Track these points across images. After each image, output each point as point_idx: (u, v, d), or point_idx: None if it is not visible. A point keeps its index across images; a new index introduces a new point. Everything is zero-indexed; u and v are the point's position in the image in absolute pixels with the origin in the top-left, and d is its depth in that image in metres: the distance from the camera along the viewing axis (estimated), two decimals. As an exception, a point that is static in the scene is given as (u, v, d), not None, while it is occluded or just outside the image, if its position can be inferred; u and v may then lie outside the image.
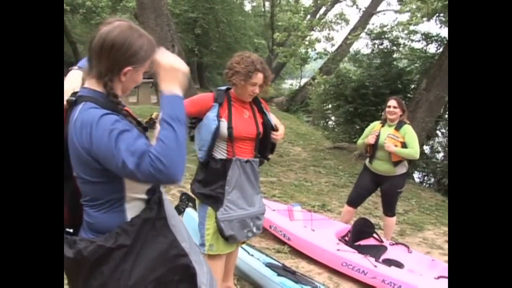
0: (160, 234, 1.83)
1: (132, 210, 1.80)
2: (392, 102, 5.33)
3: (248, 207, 3.43)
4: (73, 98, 1.77)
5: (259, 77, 3.28)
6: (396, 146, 5.16)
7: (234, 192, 3.33)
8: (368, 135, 5.50)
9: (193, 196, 3.56)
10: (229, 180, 3.29)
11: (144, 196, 1.84)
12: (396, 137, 5.20)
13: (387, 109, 5.37)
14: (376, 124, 5.56)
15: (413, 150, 5.18)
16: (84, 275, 1.76)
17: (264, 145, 3.46)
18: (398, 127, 5.26)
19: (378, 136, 5.36)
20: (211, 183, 3.31)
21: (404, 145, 5.19)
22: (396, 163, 5.25)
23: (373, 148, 5.39)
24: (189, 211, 4.84)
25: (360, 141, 5.74)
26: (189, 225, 4.77)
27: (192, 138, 3.47)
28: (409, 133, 5.24)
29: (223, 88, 3.43)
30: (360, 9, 22.80)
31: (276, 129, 3.50)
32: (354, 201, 5.80)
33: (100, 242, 1.71)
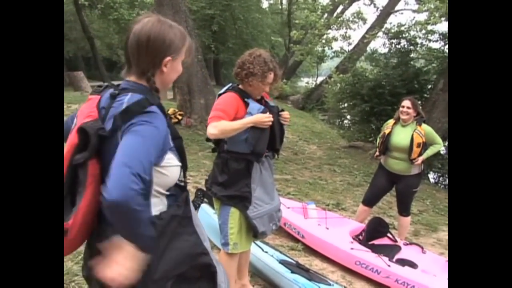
0: (184, 232, 1.86)
1: (154, 204, 1.81)
2: (406, 103, 5.32)
3: (271, 201, 3.50)
4: (116, 92, 1.81)
5: (271, 77, 3.33)
6: (419, 143, 5.19)
7: (259, 188, 3.37)
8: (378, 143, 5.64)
9: (210, 194, 3.58)
10: (253, 178, 3.33)
11: (166, 192, 1.86)
12: (422, 134, 5.22)
13: (400, 109, 5.36)
14: (390, 122, 5.56)
15: (438, 145, 5.34)
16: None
17: (273, 134, 3.38)
18: (420, 123, 5.29)
19: (389, 135, 5.37)
20: (234, 183, 3.33)
21: (424, 143, 5.25)
22: (412, 161, 5.25)
23: (385, 146, 5.40)
24: (204, 206, 4.88)
25: (378, 140, 5.76)
26: (204, 221, 4.81)
27: (208, 139, 3.51)
28: (428, 130, 5.30)
29: (230, 86, 3.45)
30: (378, 8, 22.69)
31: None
32: (370, 200, 5.80)
33: None
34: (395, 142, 5.29)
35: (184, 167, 1.92)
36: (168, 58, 1.82)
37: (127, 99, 1.73)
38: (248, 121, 3.16)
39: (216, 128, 3.08)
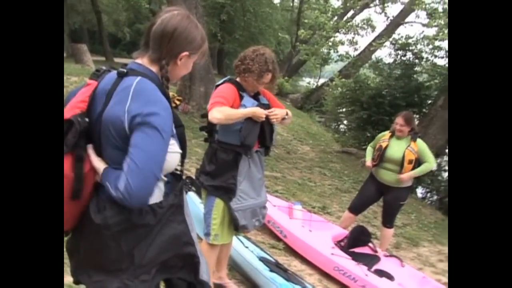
0: (175, 220, 1.89)
1: (154, 193, 1.81)
2: (399, 120, 5.33)
3: (257, 196, 3.53)
4: (124, 70, 1.83)
5: (268, 77, 3.37)
6: (411, 160, 5.19)
7: (245, 182, 3.40)
8: (368, 159, 5.64)
9: (198, 183, 3.59)
10: (240, 171, 3.35)
11: (164, 178, 1.88)
12: (415, 151, 5.22)
13: (394, 125, 5.38)
14: (386, 134, 5.57)
15: (429, 164, 5.26)
16: (100, 245, 1.77)
17: (263, 131, 3.40)
18: (414, 139, 5.27)
19: (386, 147, 5.37)
20: (221, 174, 3.36)
21: (417, 159, 5.25)
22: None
23: (380, 158, 5.40)
24: (190, 195, 4.89)
25: (369, 148, 5.77)
26: (190, 209, 4.82)
27: (202, 129, 3.52)
28: (421, 147, 5.28)
29: (228, 78, 3.49)
30: (388, 17, 22.66)
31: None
32: (356, 208, 5.81)
33: (128, 216, 1.73)
34: (389, 154, 5.31)
35: (183, 156, 1.94)
36: (186, 53, 1.88)
37: (135, 82, 1.75)
38: (248, 111, 3.19)
39: (221, 112, 3.10)
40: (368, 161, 5.60)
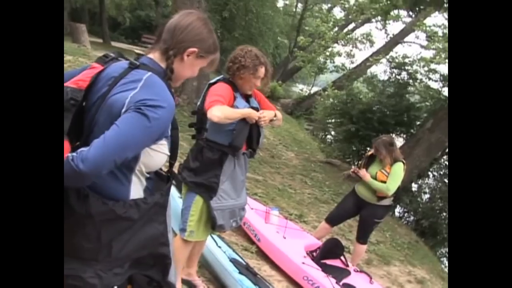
0: (156, 220, 1.90)
1: (135, 186, 1.84)
2: (373, 148, 5.39)
3: (237, 197, 3.55)
4: (137, 63, 1.85)
5: (262, 71, 3.38)
6: (383, 181, 5.19)
7: (227, 182, 3.41)
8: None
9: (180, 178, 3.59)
10: (224, 170, 3.36)
11: (146, 174, 1.88)
12: (387, 173, 5.22)
13: None
14: (368, 151, 5.63)
15: (385, 186, 5.18)
16: (80, 233, 1.74)
17: (250, 133, 3.42)
18: (391, 164, 5.28)
19: (371, 161, 5.42)
20: (205, 172, 3.36)
21: None
22: (379, 197, 5.29)
23: (365, 166, 5.43)
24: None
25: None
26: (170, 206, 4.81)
27: (191, 125, 3.52)
28: (393, 169, 5.22)
29: (221, 77, 3.49)
30: (388, 34, 22.80)
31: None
32: (333, 220, 5.83)
33: (112, 207, 1.72)
34: (370, 170, 5.34)
35: (173, 159, 1.96)
36: (194, 49, 1.91)
37: (146, 76, 1.77)
38: (245, 112, 3.23)
39: (221, 111, 3.10)
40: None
